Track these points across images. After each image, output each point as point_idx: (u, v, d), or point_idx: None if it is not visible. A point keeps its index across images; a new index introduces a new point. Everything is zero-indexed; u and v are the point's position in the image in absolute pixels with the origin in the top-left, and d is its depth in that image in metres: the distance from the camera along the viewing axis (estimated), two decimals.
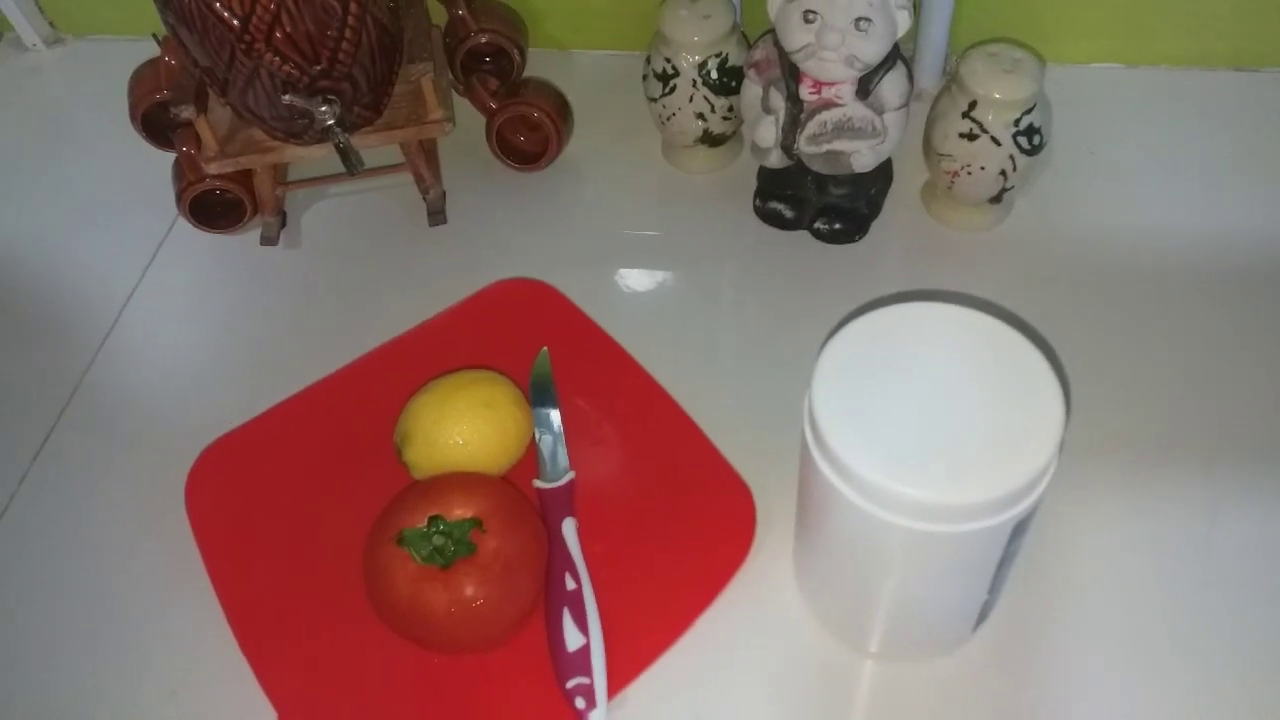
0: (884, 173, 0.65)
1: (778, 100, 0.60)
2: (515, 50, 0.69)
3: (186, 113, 0.60)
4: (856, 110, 0.58)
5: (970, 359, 0.42)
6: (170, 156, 0.67)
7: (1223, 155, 0.67)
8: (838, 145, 0.59)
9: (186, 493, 0.56)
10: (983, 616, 0.48)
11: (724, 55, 0.63)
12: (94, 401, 0.63)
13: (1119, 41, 0.72)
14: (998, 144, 0.59)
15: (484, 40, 0.68)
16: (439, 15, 0.69)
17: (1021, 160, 0.59)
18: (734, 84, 0.64)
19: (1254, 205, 0.64)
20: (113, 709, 0.51)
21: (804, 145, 0.60)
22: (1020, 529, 0.41)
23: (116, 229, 0.71)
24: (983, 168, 0.60)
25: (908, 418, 0.40)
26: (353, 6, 0.56)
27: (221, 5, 0.54)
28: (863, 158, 0.60)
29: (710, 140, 0.67)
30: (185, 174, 0.66)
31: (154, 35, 0.65)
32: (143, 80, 0.68)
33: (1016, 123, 0.58)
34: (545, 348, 0.60)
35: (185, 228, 0.69)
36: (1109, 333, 0.59)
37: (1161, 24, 0.71)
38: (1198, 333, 0.59)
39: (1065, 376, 0.54)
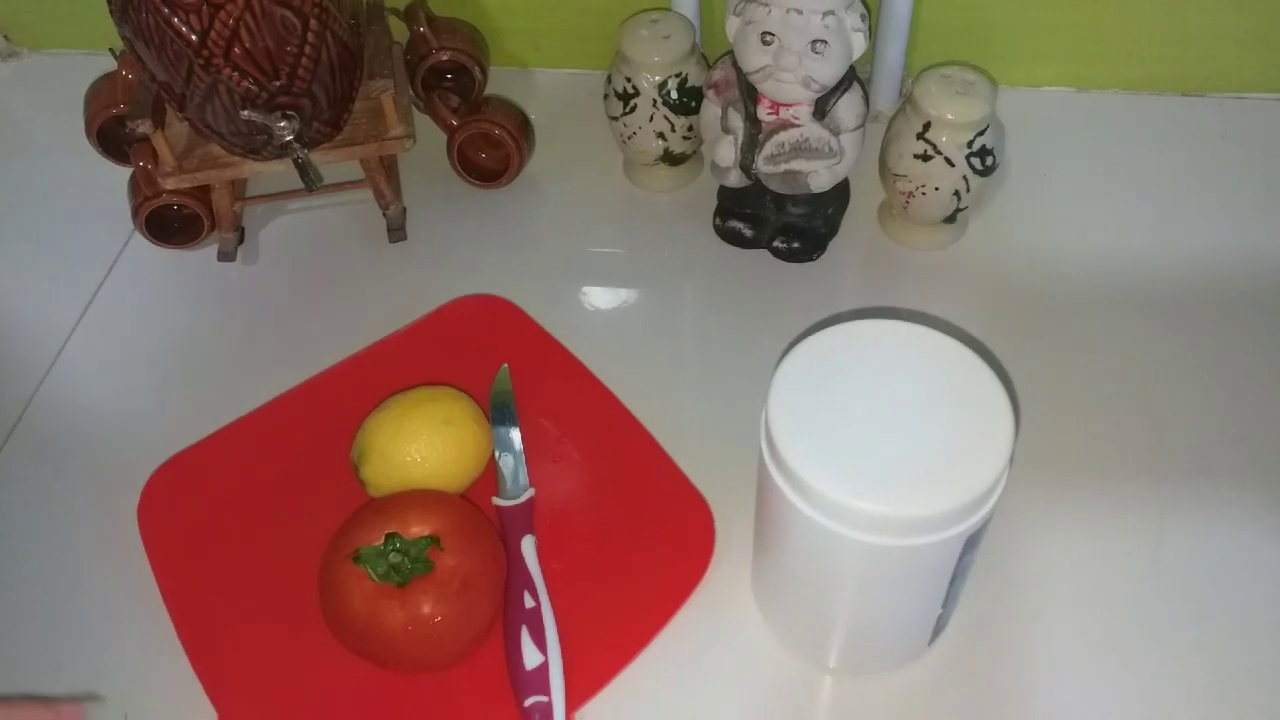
0: (841, 192, 0.66)
1: (736, 121, 0.60)
2: (477, 68, 0.70)
3: (143, 127, 0.60)
4: (813, 131, 0.59)
5: (923, 375, 0.42)
6: (126, 171, 0.67)
7: (1169, 178, 0.69)
8: (795, 165, 0.60)
9: (139, 511, 0.55)
10: (938, 630, 0.48)
11: (684, 75, 0.64)
12: (46, 418, 0.62)
13: (1070, 66, 0.74)
14: (951, 165, 0.60)
15: (445, 58, 0.69)
16: (400, 32, 0.69)
17: (974, 181, 0.60)
18: (694, 104, 0.64)
19: (1199, 227, 0.66)
20: None
21: (762, 165, 0.61)
22: (972, 543, 0.42)
23: (71, 244, 0.70)
24: (937, 188, 0.61)
25: (862, 433, 0.40)
26: (312, 23, 0.56)
27: (179, 20, 0.53)
28: (820, 178, 0.61)
29: (670, 159, 0.68)
30: (142, 189, 0.65)
31: (111, 50, 0.64)
32: (99, 94, 0.67)
33: (969, 144, 0.59)
34: (505, 364, 0.60)
35: (141, 243, 0.68)
36: (1059, 350, 0.60)
37: (1110, 50, 0.72)
38: (1146, 351, 0.60)
39: (1015, 393, 0.55)
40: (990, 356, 0.43)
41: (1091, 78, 0.74)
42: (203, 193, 0.66)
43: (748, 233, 0.66)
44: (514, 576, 0.51)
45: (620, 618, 0.50)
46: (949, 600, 0.46)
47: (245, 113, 0.58)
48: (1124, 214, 0.67)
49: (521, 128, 0.69)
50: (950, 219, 0.63)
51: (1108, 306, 0.62)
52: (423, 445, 0.53)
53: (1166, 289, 0.63)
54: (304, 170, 0.61)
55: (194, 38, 0.54)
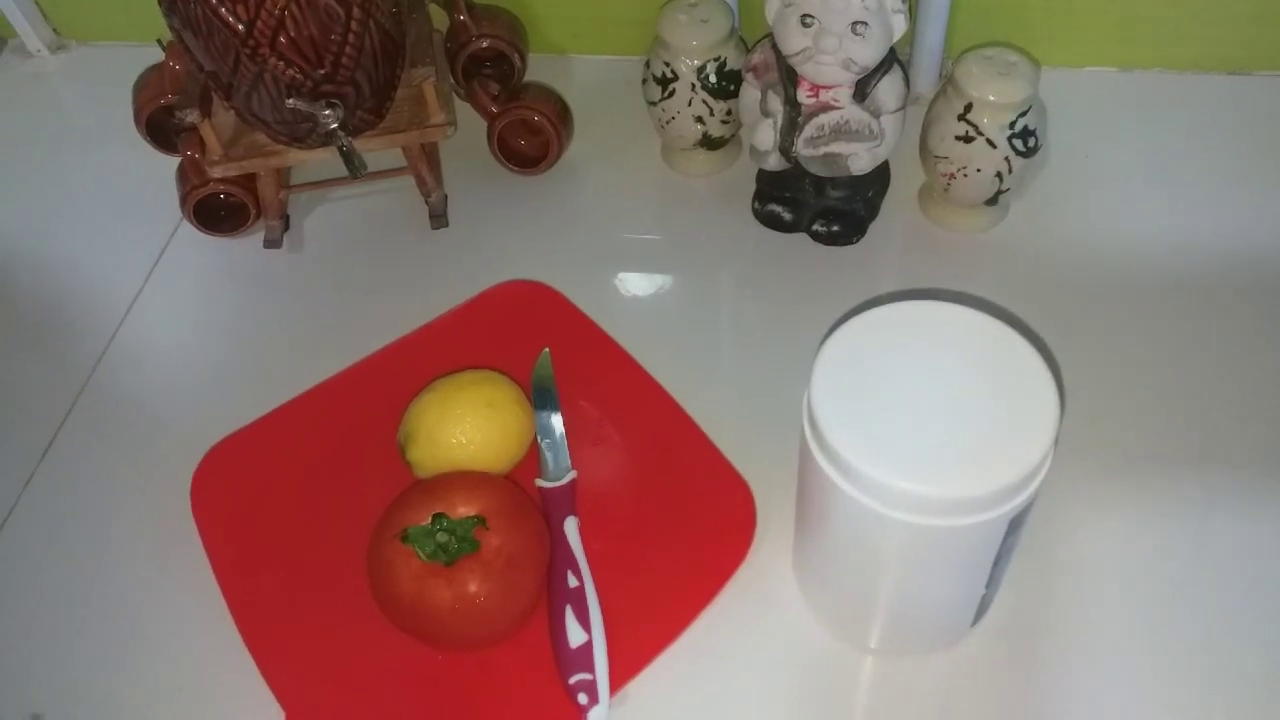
0: (881, 175, 0.65)
1: (776, 103, 0.60)
2: (516, 55, 0.70)
3: (191, 117, 0.61)
4: (854, 113, 0.59)
5: (967, 356, 0.42)
6: (174, 161, 0.68)
7: (1215, 159, 0.68)
8: (835, 148, 0.60)
9: (192, 493, 0.56)
10: (981, 612, 0.48)
11: (722, 59, 0.64)
12: (99, 403, 0.63)
13: (1113, 46, 0.73)
14: (993, 146, 0.59)
15: (485, 45, 0.69)
16: (440, 20, 0.70)
17: (1017, 162, 0.60)
18: (732, 88, 0.64)
19: (1246, 209, 0.65)
20: (118, 707, 0.51)
21: (802, 148, 0.61)
22: (1016, 523, 0.42)
23: (121, 233, 0.72)
24: (978, 170, 0.60)
25: (905, 414, 0.40)
26: (356, 11, 0.57)
27: (227, 10, 0.54)
28: (860, 160, 0.61)
29: (709, 143, 0.68)
30: (189, 178, 0.66)
31: (158, 40, 0.66)
32: (147, 85, 0.68)
33: (1011, 125, 0.59)
34: (547, 349, 0.61)
35: (189, 231, 0.69)
36: (1103, 333, 0.60)
37: (1155, 28, 0.71)
38: (1190, 334, 0.60)
39: (1060, 374, 0.54)
40: (1034, 337, 0.43)
41: (1135, 58, 0.73)
42: (249, 181, 0.67)
43: (787, 216, 0.66)
44: (557, 557, 0.51)
45: (662, 598, 0.51)
46: (992, 582, 0.46)
47: (290, 101, 0.58)
48: (1168, 196, 0.66)
49: (561, 114, 0.69)
50: (992, 201, 0.63)
51: (1151, 290, 0.62)
52: (468, 427, 0.53)
53: (1212, 272, 0.62)
54: (348, 158, 0.62)
55: (240, 27, 0.55)
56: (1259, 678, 0.48)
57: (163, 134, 0.69)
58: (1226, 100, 0.71)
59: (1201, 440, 0.55)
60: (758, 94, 0.61)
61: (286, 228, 0.70)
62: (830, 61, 0.56)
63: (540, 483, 0.55)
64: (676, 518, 0.54)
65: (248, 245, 0.70)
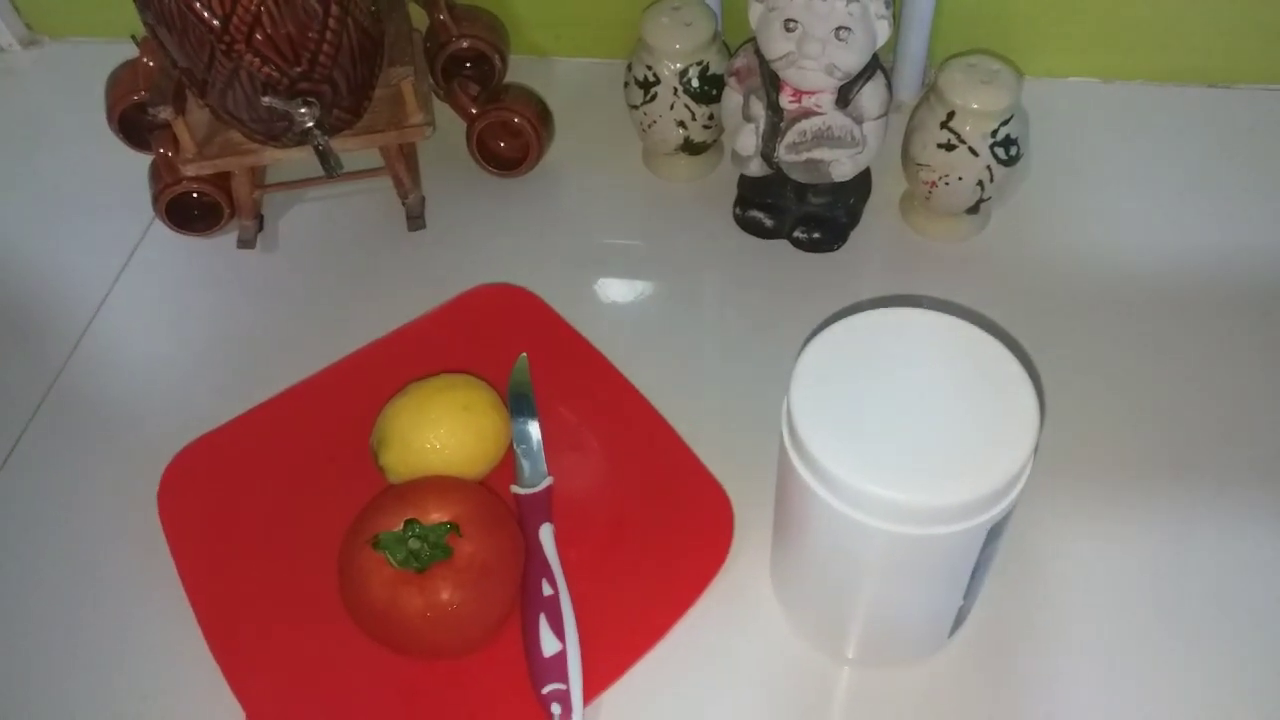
0: (863, 182, 0.65)
1: (758, 108, 0.60)
2: (497, 56, 0.69)
3: (164, 114, 0.60)
4: (836, 119, 0.58)
5: (946, 364, 0.42)
6: (147, 158, 0.67)
7: (1196, 171, 0.68)
8: (817, 154, 0.60)
9: (159, 496, 0.55)
10: (958, 623, 0.48)
11: (705, 63, 0.63)
12: (67, 404, 0.62)
13: (1095, 56, 0.73)
14: (975, 154, 0.59)
15: (465, 45, 0.69)
16: (420, 20, 0.69)
17: (999, 171, 0.60)
18: (715, 92, 0.64)
19: (1227, 221, 0.65)
20: (84, 712, 0.50)
21: (784, 154, 0.60)
22: (995, 533, 0.41)
23: (92, 231, 0.71)
24: (960, 178, 0.60)
25: (884, 421, 0.40)
26: (334, 9, 0.56)
27: (202, 5, 0.53)
28: (842, 167, 0.60)
29: (691, 148, 0.67)
30: (162, 176, 0.65)
31: (132, 36, 0.65)
32: (120, 81, 0.67)
33: (994, 133, 0.59)
34: (524, 353, 0.60)
35: (161, 230, 0.68)
36: (1083, 342, 0.60)
37: (1137, 40, 0.72)
38: (1171, 344, 0.60)
39: (1040, 382, 0.54)
40: (1014, 346, 0.42)
41: (1117, 69, 0.73)
42: (223, 180, 0.66)
43: (768, 223, 0.65)
44: (532, 564, 0.51)
45: (638, 607, 0.50)
46: (970, 592, 0.45)
47: (266, 99, 0.58)
48: (1149, 206, 0.66)
49: (541, 116, 0.69)
50: (973, 210, 0.63)
51: (1132, 301, 0.62)
52: (442, 432, 0.53)
53: (1192, 284, 0.62)
54: (324, 157, 0.61)
55: (216, 23, 0.54)
56: (1236, 690, 0.48)
57: (136, 131, 0.68)
58: (1208, 112, 0.72)
59: (1181, 450, 0.55)
60: (740, 99, 0.61)
61: (260, 228, 0.69)
62: (813, 67, 0.56)
63: (516, 489, 0.54)
64: (653, 525, 0.53)
65: (221, 245, 0.68)
